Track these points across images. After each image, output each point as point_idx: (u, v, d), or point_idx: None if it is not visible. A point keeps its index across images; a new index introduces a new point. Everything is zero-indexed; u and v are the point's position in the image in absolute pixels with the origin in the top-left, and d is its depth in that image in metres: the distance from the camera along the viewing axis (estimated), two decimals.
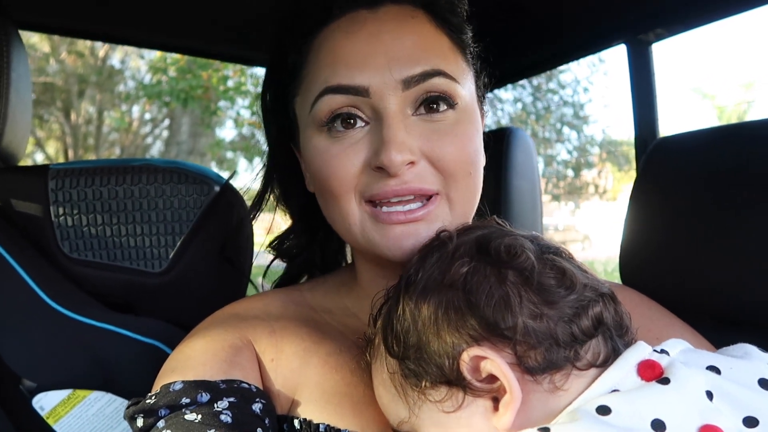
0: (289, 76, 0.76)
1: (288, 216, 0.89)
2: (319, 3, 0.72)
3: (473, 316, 0.53)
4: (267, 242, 0.91)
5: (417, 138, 0.67)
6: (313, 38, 0.72)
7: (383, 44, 0.68)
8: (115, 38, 1.82)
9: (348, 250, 0.97)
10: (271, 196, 0.88)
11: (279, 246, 0.89)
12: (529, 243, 0.58)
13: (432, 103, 0.69)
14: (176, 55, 8.09)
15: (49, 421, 0.98)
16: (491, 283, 0.54)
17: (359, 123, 0.69)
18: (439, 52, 0.71)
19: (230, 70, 8.46)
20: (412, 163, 0.66)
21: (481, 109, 0.78)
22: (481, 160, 0.73)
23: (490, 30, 0.78)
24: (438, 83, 0.68)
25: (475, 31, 0.79)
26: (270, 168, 0.86)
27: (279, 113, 0.80)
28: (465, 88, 0.72)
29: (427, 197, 0.68)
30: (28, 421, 0.98)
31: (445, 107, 0.69)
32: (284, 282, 0.92)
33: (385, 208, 0.67)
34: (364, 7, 0.71)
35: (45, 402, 0.97)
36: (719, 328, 0.90)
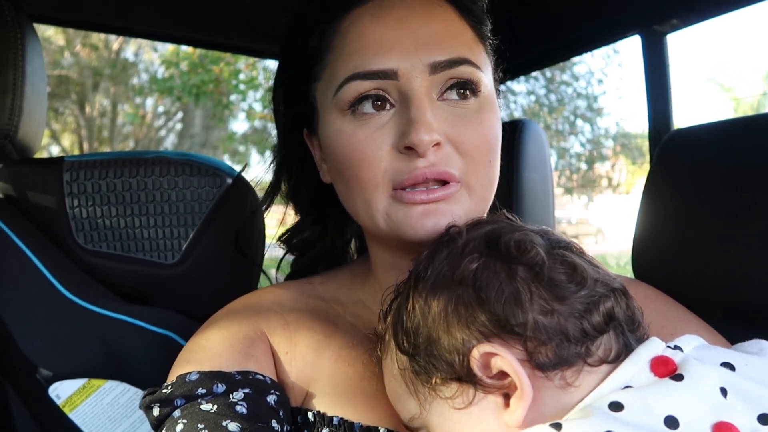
0: (311, 60, 0.75)
1: (296, 209, 0.88)
2: None
3: (483, 312, 0.53)
4: (277, 235, 0.91)
5: (442, 122, 0.67)
6: (339, 22, 0.72)
7: (411, 29, 0.68)
8: (127, 31, 1.84)
9: (353, 245, 0.96)
10: (282, 188, 0.87)
11: (289, 240, 0.89)
12: (539, 238, 0.57)
13: (457, 89, 0.69)
14: (188, 50, 8.12)
15: (65, 410, 0.99)
16: (501, 279, 0.54)
17: (383, 106, 0.68)
18: (464, 41, 0.71)
19: (242, 63, 8.47)
20: (438, 144, 0.67)
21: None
22: (500, 150, 0.73)
23: (503, 20, 0.78)
24: (464, 71, 0.68)
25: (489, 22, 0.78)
26: (281, 159, 0.86)
27: (295, 98, 0.79)
28: (487, 77, 0.72)
29: (447, 182, 0.68)
30: (44, 409, 1.00)
31: (469, 94, 0.69)
32: (295, 275, 0.91)
33: (408, 189, 0.68)
34: None
35: (61, 391, 0.99)
36: (732, 323, 0.89)
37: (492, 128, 0.71)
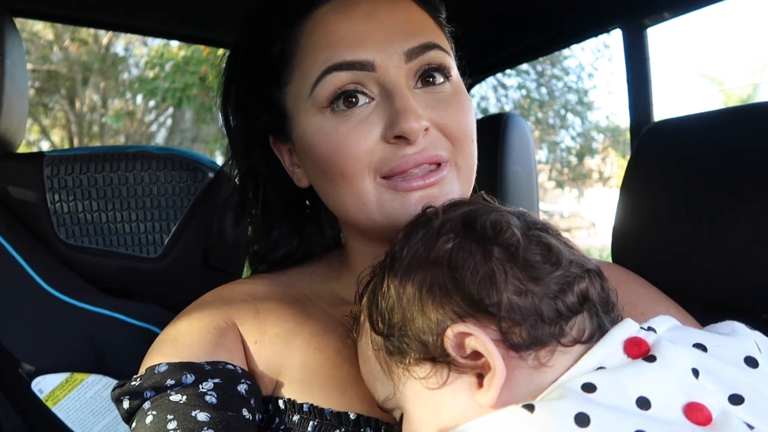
0: (277, 65, 0.74)
1: (270, 222, 0.83)
2: None
3: (458, 292, 0.53)
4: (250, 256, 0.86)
5: (425, 108, 0.68)
6: (303, 23, 0.72)
7: (379, 21, 0.70)
8: (108, 24, 1.82)
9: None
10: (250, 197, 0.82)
11: (267, 256, 0.85)
12: (515, 219, 0.57)
13: (430, 75, 0.71)
14: (173, 50, 8.06)
15: (48, 404, 0.99)
16: (476, 260, 0.53)
17: (363, 100, 0.68)
18: (430, 28, 0.74)
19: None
20: (426, 130, 0.68)
21: None
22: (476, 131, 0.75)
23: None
24: (436, 56, 0.70)
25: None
26: (245, 173, 0.82)
27: (260, 108, 0.77)
28: (454, 62, 0.75)
29: (438, 164, 0.69)
30: (27, 403, 1.00)
31: (443, 79, 0.71)
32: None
33: (400, 178, 0.68)
34: None
35: (44, 385, 0.99)
36: (710, 313, 0.90)
37: (470, 110, 0.73)
